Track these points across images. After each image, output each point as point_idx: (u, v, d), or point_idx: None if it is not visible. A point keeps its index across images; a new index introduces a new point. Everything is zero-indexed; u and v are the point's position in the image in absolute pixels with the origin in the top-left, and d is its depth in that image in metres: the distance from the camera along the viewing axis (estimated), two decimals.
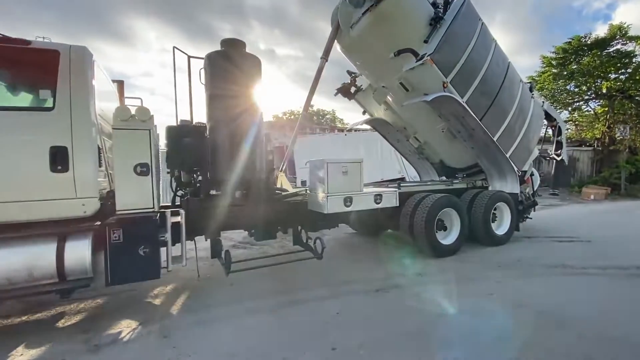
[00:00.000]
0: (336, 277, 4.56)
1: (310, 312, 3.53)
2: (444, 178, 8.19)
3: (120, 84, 5.50)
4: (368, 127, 8.89)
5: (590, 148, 15.84)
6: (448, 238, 5.60)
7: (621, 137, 15.39)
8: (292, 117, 36.13)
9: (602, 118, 15.28)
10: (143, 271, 3.32)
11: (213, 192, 4.40)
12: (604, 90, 15.07)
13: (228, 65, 3.97)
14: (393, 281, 4.37)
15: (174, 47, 4.30)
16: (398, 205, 5.05)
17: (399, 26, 5.58)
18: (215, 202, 4.21)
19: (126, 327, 3.27)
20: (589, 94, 15.76)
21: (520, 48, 70.51)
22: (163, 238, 3.59)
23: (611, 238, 6.69)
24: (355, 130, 14.10)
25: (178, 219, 3.77)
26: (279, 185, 5.49)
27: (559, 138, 9.24)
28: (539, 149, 10.95)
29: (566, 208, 11.72)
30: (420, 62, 5.39)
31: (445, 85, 5.53)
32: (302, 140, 12.41)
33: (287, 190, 5.13)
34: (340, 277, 4.55)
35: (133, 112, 3.56)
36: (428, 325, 3.18)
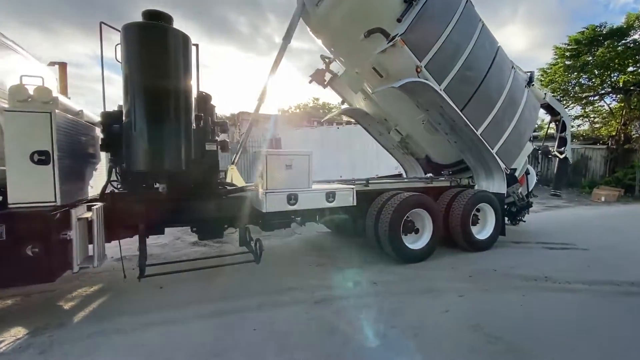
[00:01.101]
0: (281, 283, 4.06)
1: (227, 326, 3.05)
2: (430, 175, 7.58)
3: (62, 67, 5.09)
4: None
5: (604, 146, 14.76)
6: (418, 242, 5.02)
7: (637, 135, 14.22)
8: (298, 110, 35.60)
9: (618, 114, 14.15)
10: (31, 273, 2.90)
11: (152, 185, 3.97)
12: (621, 84, 13.93)
13: (147, 40, 3.47)
14: (341, 291, 3.85)
15: (101, 23, 3.84)
16: (355, 204, 4.49)
17: (370, 2, 4.98)
18: (145, 196, 3.77)
19: (10, 337, 2.86)
20: (604, 87, 14.61)
21: (543, 42, 67.68)
22: (65, 236, 3.16)
23: (612, 246, 5.96)
24: (347, 124, 13.48)
25: (90, 214, 3.34)
26: (229, 180, 5.02)
27: (563, 134, 8.45)
28: (540, 146, 10.14)
29: (572, 210, 10.86)
30: (390, 43, 4.78)
31: (418, 69, 4.91)
32: (291, 134, 11.90)
33: (236, 185, 4.65)
34: (285, 283, 4.06)
35: (32, 92, 3.13)
36: (349, 352, 2.66)
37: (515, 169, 6.25)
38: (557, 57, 16.32)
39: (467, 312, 3.30)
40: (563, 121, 8.37)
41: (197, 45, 4.69)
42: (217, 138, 5.11)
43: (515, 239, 6.41)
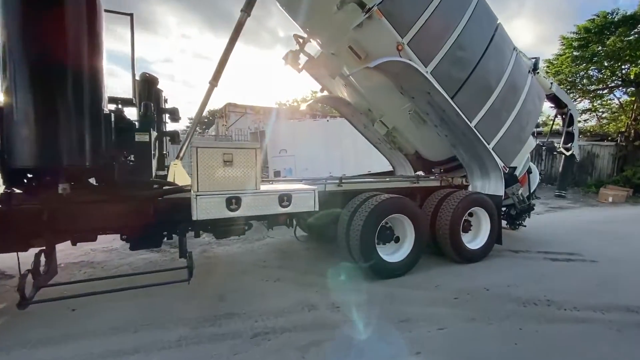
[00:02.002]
0: (220, 307, 3.31)
1: None
2: (420, 173, 6.79)
3: None
4: None
5: (612, 143, 13.87)
6: (398, 253, 4.25)
7: None
8: (296, 103, 34.74)
9: (628, 109, 13.22)
10: None
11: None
12: (632, 77, 12.98)
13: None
14: (291, 318, 3.09)
15: None
16: (317, 209, 3.71)
17: None
18: (41, 199, 3.01)
19: None
20: (613, 80, 13.64)
21: (551, 37, 66.10)
22: None
23: (624, 259, 5.16)
24: (340, 117, 12.64)
25: None
26: (170, 178, 4.26)
27: (570, 128, 7.62)
28: (544, 142, 9.28)
29: (577, 212, 10.04)
30: (367, 15, 3.97)
31: (400, 47, 4.10)
32: (277, 127, 11.11)
33: (177, 185, 3.88)
34: (225, 307, 3.31)
35: None
36: None
37: (515, 168, 5.45)
38: (564, 47, 15.32)
39: (444, 356, 2.54)
40: (570, 114, 7.53)
41: (131, 15, 3.91)
42: (164, 128, 4.33)
43: (513, 246, 5.64)
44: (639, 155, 13.66)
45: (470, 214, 4.86)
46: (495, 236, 5.01)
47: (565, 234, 6.77)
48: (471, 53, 4.61)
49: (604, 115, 15.96)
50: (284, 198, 3.40)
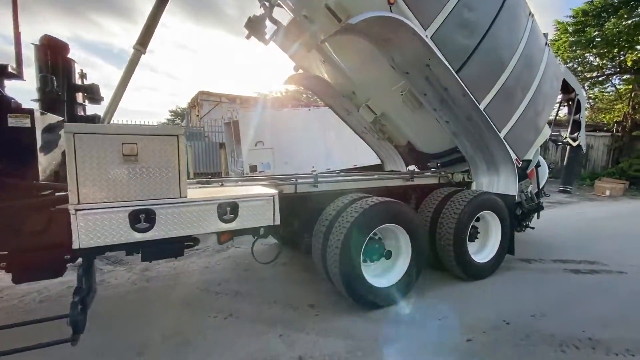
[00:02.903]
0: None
1: None
2: (413, 169, 5.83)
3: None
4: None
5: (607, 134, 13.31)
6: (389, 274, 3.27)
7: None
8: (281, 94, 33.29)
9: (626, 97, 12.65)
10: None
11: None
12: (629, 64, 12.37)
13: None
14: None
15: None
16: (278, 223, 2.67)
17: None
18: None
19: None
20: (611, 68, 13.01)
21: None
22: None
23: None
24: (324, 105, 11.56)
25: None
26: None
27: (577, 116, 6.77)
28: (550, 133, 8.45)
29: (577, 207, 9.34)
30: None
31: (391, 0, 3.06)
32: (253, 117, 9.94)
33: None
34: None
35: None
36: None
37: (529, 161, 4.55)
38: (559, 32, 14.57)
39: None
40: (578, 100, 6.67)
41: None
42: (80, 111, 3.21)
43: (522, 253, 4.76)
44: (636, 147, 13.14)
45: (477, 219, 3.93)
46: (507, 245, 4.10)
47: (575, 235, 5.96)
48: (481, 15, 3.60)
49: (598, 105, 15.39)
50: (227, 209, 2.34)
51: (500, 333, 2.76)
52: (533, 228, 5.75)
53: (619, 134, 13.51)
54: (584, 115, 7.02)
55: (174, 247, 2.57)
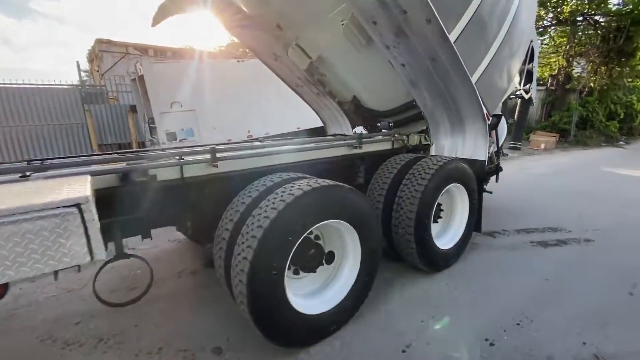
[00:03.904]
0: None
1: None
2: (359, 130, 4.79)
3: None
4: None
5: (542, 88, 13.66)
6: (332, 289, 2.27)
7: (579, 75, 13.24)
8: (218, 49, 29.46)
9: (562, 50, 12.86)
10: None
11: None
12: (566, 15, 12.38)
13: None
14: None
15: None
16: (102, 258, 1.42)
17: None
18: None
19: None
20: (550, 18, 12.95)
21: None
22: None
23: (615, 233, 4.02)
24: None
25: None
26: None
27: (531, 65, 6.18)
28: None
29: (519, 163, 9.30)
30: None
31: None
32: (165, 71, 7.91)
33: None
34: None
35: None
36: None
37: (500, 117, 3.74)
38: None
39: None
40: (532, 47, 6.03)
41: None
42: None
43: (484, 225, 4.07)
44: (567, 100, 13.67)
45: (445, 192, 3.05)
46: (475, 222, 3.35)
47: (529, 197, 5.59)
48: None
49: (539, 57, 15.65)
50: None
51: (485, 351, 1.96)
52: (491, 192, 5.19)
53: (553, 88, 13.91)
54: (537, 64, 6.45)
55: None
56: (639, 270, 3.04)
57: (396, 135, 3.65)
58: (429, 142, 3.69)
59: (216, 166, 2.21)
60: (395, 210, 2.79)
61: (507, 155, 6.91)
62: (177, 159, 2.15)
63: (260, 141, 3.45)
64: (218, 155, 2.21)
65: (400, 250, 2.90)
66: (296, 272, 2.17)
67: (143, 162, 2.06)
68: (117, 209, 1.94)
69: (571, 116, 12.78)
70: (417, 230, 2.70)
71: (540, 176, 7.30)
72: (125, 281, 3.02)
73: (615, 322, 2.30)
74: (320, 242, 2.26)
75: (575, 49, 12.65)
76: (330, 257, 2.33)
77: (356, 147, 3.14)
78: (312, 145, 2.94)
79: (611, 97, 13.52)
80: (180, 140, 8.10)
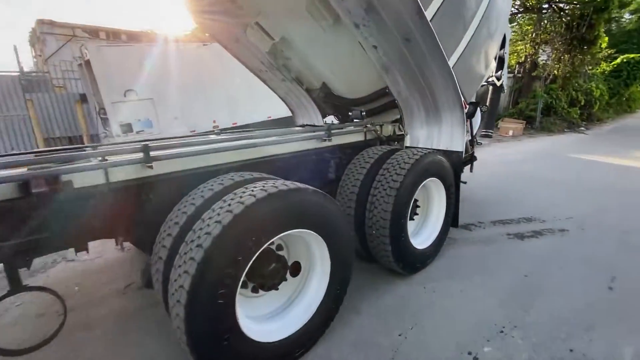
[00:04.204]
0: None
1: None
2: (330, 121, 4.50)
3: None
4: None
5: (510, 75, 13.92)
6: (291, 310, 1.96)
7: (544, 62, 13.58)
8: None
9: (528, 37, 13.10)
10: None
11: None
12: (533, 2, 12.56)
13: None
14: None
15: None
16: None
17: None
18: None
19: None
20: (518, 5, 13.10)
21: None
22: None
23: (589, 220, 4.00)
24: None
25: None
26: None
27: (502, 51, 6.07)
28: None
29: (490, 150, 9.40)
30: None
31: None
32: (107, 53, 7.11)
33: None
34: None
35: None
36: None
37: (477, 104, 3.54)
38: None
39: None
40: (504, 33, 5.92)
41: None
42: None
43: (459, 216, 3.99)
44: (533, 87, 14.01)
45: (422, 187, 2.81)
46: (451, 217, 3.16)
47: (502, 186, 5.55)
48: None
49: None
50: None
51: None
52: (465, 182, 5.07)
53: (520, 75, 14.21)
54: (507, 51, 6.35)
55: None
56: (614, 262, 2.98)
57: (369, 125, 3.36)
58: (403, 133, 3.43)
59: (151, 167, 1.81)
60: (368, 210, 2.52)
61: (482, 144, 6.85)
62: (100, 161, 1.73)
63: (216, 133, 3.04)
64: (153, 153, 1.81)
65: (374, 253, 2.65)
66: (255, 290, 1.85)
67: (51, 165, 1.62)
68: (13, 229, 1.51)
69: (537, 103, 13.13)
70: (392, 231, 2.44)
71: (511, 163, 7.35)
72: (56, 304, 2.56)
73: (600, 324, 2.18)
74: (283, 252, 1.95)
75: (541, 37, 12.91)
76: (295, 269, 2.03)
77: (325, 140, 2.83)
78: (275, 138, 2.58)
79: (573, 84, 14.03)
80: (137, 133, 7.40)
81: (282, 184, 1.70)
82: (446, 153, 3.07)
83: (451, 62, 2.74)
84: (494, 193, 5.09)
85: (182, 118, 8.13)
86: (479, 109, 5.04)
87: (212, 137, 2.90)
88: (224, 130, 3.63)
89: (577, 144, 10.28)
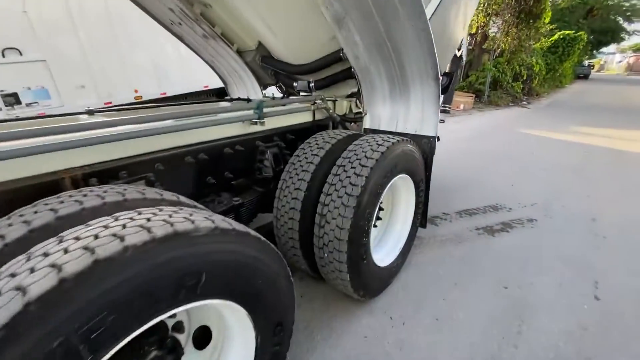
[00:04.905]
0: None
1: None
2: (272, 94, 3.63)
3: None
4: None
5: None
6: None
7: (494, 35, 13.60)
8: None
9: (481, 7, 12.91)
10: None
11: None
12: None
13: None
14: None
15: None
16: None
17: None
18: None
19: None
20: None
21: None
22: None
23: (553, 207, 3.74)
24: None
25: None
26: None
27: None
28: None
29: (444, 126, 9.14)
30: None
31: None
32: None
33: None
34: None
35: None
36: None
37: (452, 75, 2.92)
38: None
39: None
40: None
41: None
42: None
43: None
44: (482, 60, 14.07)
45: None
46: (420, 218, 2.57)
47: (461, 167, 5.17)
48: None
49: None
50: None
51: None
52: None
53: (471, 47, 14.15)
54: (469, 20, 5.80)
55: None
56: (592, 260, 2.67)
57: (318, 101, 2.57)
58: (361, 111, 2.71)
59: None
60: (318, 225, 1.79)
61: (444, 121, 6.42)
62: None
63: (89, 113, 2.02)
64: None
65: (326, 278, 1.97)
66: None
67: None
68: None
69: (485, 77, 13.24)
70: (351, 253, 1.76)
71: (466, 141, 7.11)
72: None
73: (593, 346, 1.76)
74: (180, 320, 1.16)
75: (493, 7, 12.77)
76: (202, 339, 1.26)
77: (256, 122, 1.99)
78: (181, 123, 1.68)
79: (517, 58, 14.36)
80: (27, 105, 5.75)
81: (157, 223, 0.87)
82: (415, 138, 2.43)
83: (428, 13, 2.00)
84: (455, 175, 4.69)
85: (92, 87, 6.53)
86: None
87: (83, 119, 1.90)
88: (131, 105, 2.58)
89: (523, 118, 10.51)
